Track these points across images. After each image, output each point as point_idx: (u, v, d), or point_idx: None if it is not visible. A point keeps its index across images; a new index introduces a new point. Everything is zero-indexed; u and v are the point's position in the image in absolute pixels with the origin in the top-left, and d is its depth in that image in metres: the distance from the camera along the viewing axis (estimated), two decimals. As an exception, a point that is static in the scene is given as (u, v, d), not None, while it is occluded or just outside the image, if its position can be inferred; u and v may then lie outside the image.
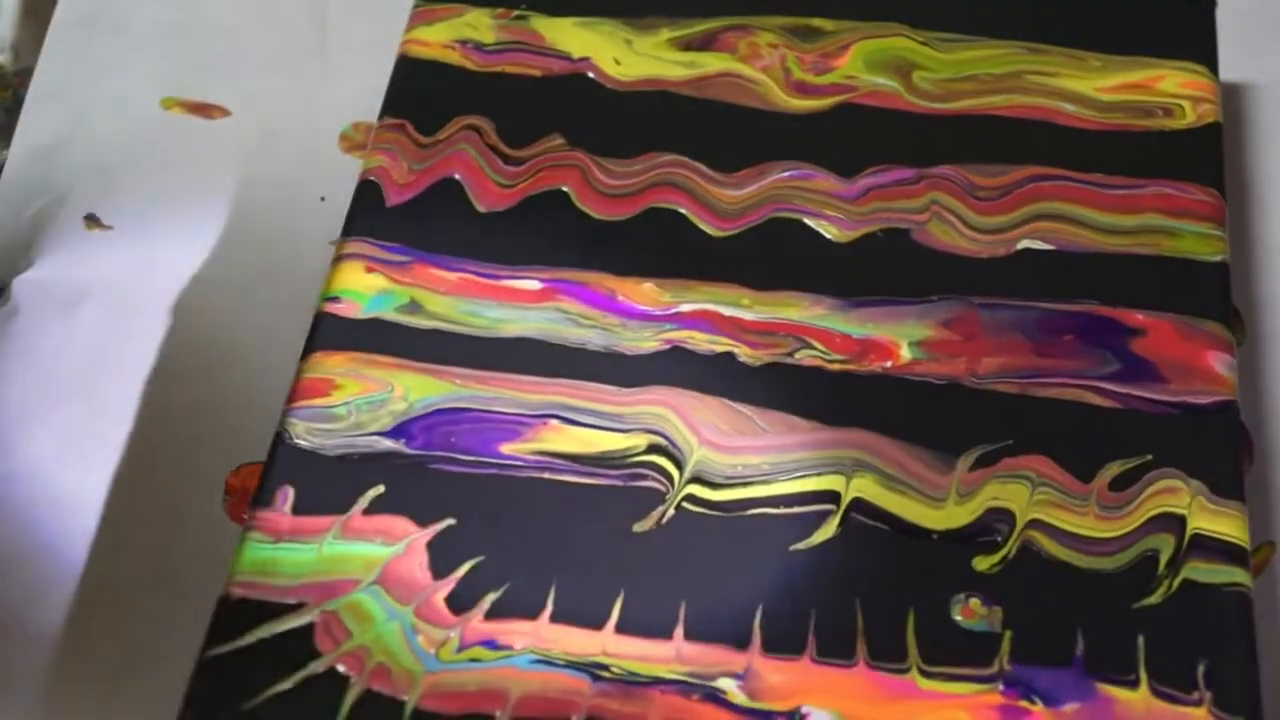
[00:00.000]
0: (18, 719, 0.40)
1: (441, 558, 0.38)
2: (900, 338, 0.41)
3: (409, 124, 0.46)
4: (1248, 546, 0.38)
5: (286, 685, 0.36)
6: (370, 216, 0.44)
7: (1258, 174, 0.49)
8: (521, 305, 0.42)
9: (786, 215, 0.44)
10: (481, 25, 0.48)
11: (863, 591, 0.37)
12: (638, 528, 0.38)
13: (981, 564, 0.38)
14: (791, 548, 0.38)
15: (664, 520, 0.38)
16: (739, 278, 0.42)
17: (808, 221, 0.43)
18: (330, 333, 0.42)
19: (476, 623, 0.37)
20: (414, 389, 0.41)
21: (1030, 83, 0.46)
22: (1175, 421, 0.40)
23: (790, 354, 0.41)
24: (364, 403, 0.40)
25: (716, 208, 0.44)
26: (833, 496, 0.39)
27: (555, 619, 0.37)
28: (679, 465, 0.39)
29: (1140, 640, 0.36)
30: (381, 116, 0.46)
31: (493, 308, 0.42)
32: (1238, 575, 0.37)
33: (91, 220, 0.49)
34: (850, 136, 0.45)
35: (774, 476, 0.39)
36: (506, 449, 0.40)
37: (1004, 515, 0.38)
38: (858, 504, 0.39)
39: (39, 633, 0.41)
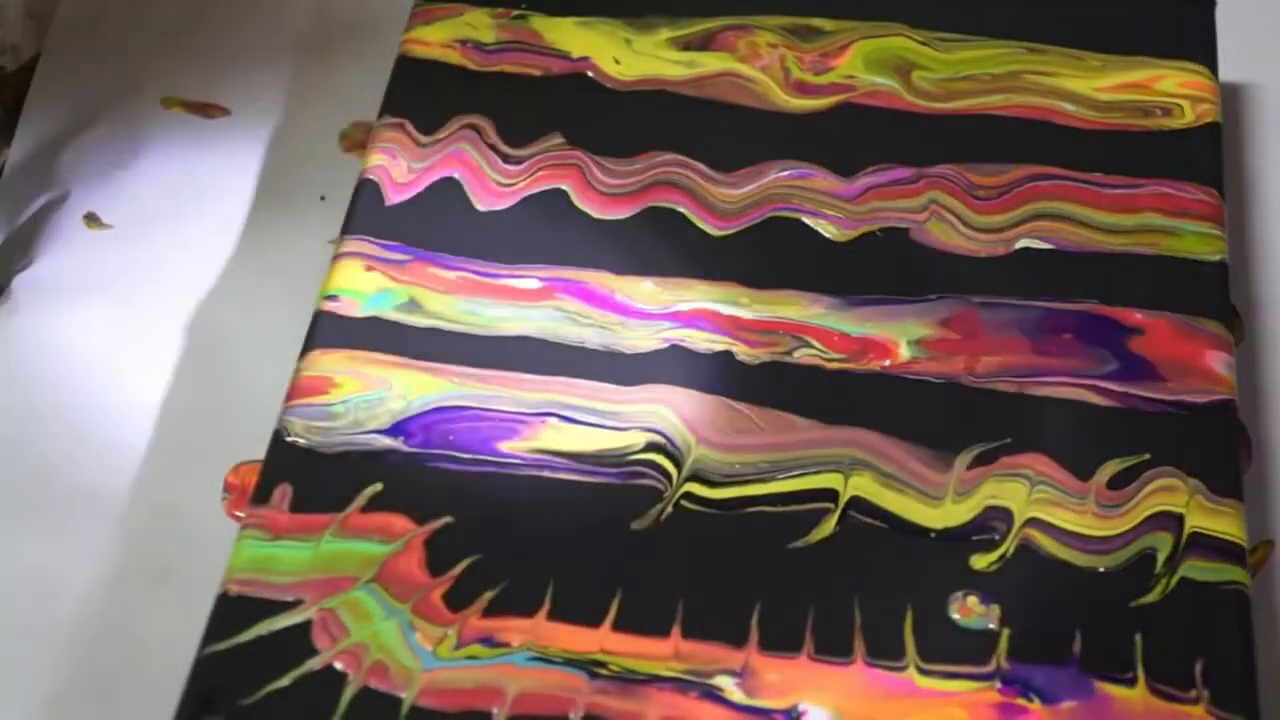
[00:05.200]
0: (18, 717, 0.40)
1: (439, 555, 0.38)
2: (899, 336, 0.41)
3: (408, 123, 0.46)
4: (1245, 545, 0.38)
5: (284, 682, 0.36)
6: (370, 215, 0.44)
7: (1257, 174, 0.49)
8: (520, 304, 0.42)
9: (785, 214, 0.44)
10: (481, 25, 0.48)
11: (861, 589, 0.37)
12: (636, 526, 0.38)
13: (979, 562, 0.38)
14: (789, 546, 0.38)
15: (662, 518, 0.38)
16: (738, 276, 0.42)
17: (807, 220, 0.44)
18: (329, 331, 0.42)
19: (474, 620, 0.37)
20: (412, 387, 0.40)
21: (1029, 82, 0.46)
22: (1173, 420, 0.40)
23: (789, 353, 0.41)
24: (362, 401, 0.40)
25: (716, 207, 0.44)
26: (831, 495, 0.39)
27: (553, 616, 0.37)
28: (677, 463, 0.39)
29: (1138, 638, 0.36)
30: (381, 115, 0.46)
31: (492, 306, 0.42)
32: (1235, 574, 0.37)
33: (92, 219, 0.49)
34: (849, 136, 0.45)
35: (772, 475, 0.39)
36: (505, 447, 0.40)
37: (1002, 513, 0.38)
38: (856, 502, 0.39)
39: (41, 629, 0.41)
